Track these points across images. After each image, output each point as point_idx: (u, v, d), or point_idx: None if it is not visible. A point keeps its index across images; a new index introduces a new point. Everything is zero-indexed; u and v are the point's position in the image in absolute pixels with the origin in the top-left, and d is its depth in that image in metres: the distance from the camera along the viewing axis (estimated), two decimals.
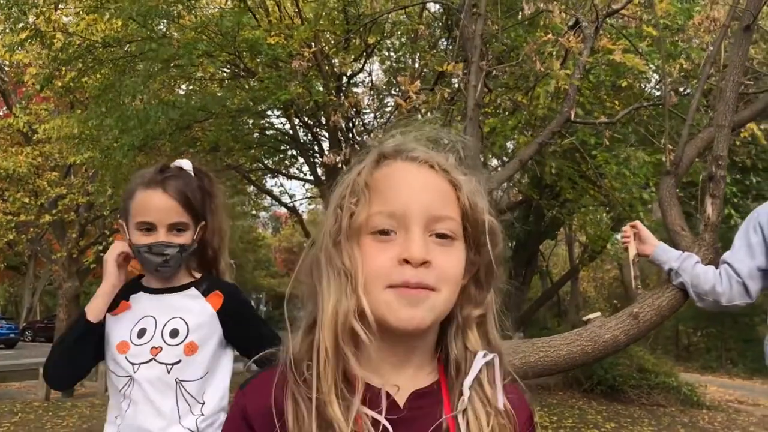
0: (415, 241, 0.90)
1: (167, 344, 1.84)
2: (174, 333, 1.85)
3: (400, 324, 0.90)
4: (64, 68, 10.42)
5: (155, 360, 1.82)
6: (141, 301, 1.93)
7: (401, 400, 0.96)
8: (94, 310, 1.87)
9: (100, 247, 18.18)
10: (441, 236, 0.93)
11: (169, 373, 1.82)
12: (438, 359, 1.02)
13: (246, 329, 1.95)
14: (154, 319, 1.88)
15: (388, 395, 0.94)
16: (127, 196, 1.90)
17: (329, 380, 0.89)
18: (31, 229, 18.06)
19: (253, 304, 2.09)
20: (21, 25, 9.78)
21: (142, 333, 1.86)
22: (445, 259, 0.92)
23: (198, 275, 1.99)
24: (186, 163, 1.99)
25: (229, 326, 1.93)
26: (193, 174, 1.97)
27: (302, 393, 0.91)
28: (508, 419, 0.98)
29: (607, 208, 9.03)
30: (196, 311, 1.90)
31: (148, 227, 1.84)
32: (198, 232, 1.93)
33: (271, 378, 0.95)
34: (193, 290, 1.94)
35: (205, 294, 1.94)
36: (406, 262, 0.89)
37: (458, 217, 0.96)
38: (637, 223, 2.93)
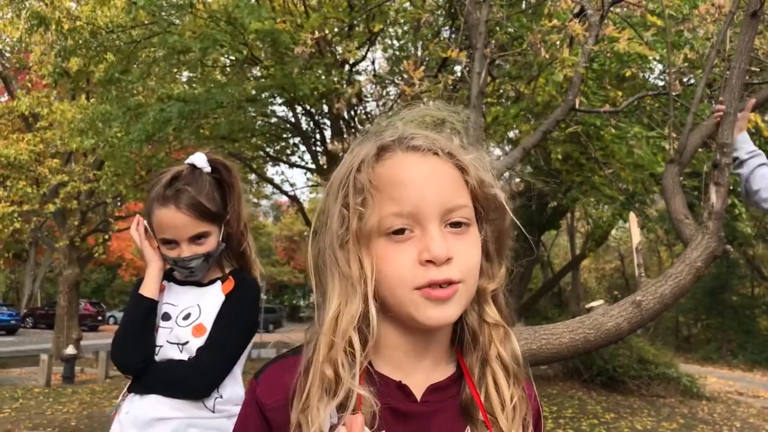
0: (435, 240, 0.88)
1: (179, 326, 1.90)
2: (186, 317, 1.91)
3: (431, 322, 0.90)
4: (71, 57, 10.34)
5: (168, 341, 1.89)
6: (170, 289, 2.01)
7: (418, 393, 0.96)
8: (150, 291, 1.93)
9: (107, 236, 18.25)
10: (455, 224, 0.92)
11: (181, 352, 1.87)
12: (455, 343, 1.02)
13: (219, 318, 1.90)
14: (175, 306, 1.95)
15: (406, 388, 0.95)
16: (147, 210, 1.93)
17: (317, 382, 0.88)
18: (34, 219, 18.06)
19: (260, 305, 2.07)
20: (25, 12, 9.74)
21: (165, 317, 1.94)
22: (464, 249, 0.91)
23: (227, 269, 2.03)
24: (200, 159, 1.95)
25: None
26: (209, 168, 1.95)
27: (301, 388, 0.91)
28: (525, 393, 1.00)
29: (618, 190, 9.01)
30: (210, 297, 1.94)
31: (170, 242, 1.89)
32: (223, 230, 1.95)
33: (285, 370, 0.95)
34: (217, 283, 1.98)
35: (222, 281, 1.98)
36: (429, 262, 0.88)
37: (470, 202, 0.95)
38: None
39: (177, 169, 1.95)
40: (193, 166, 1.95)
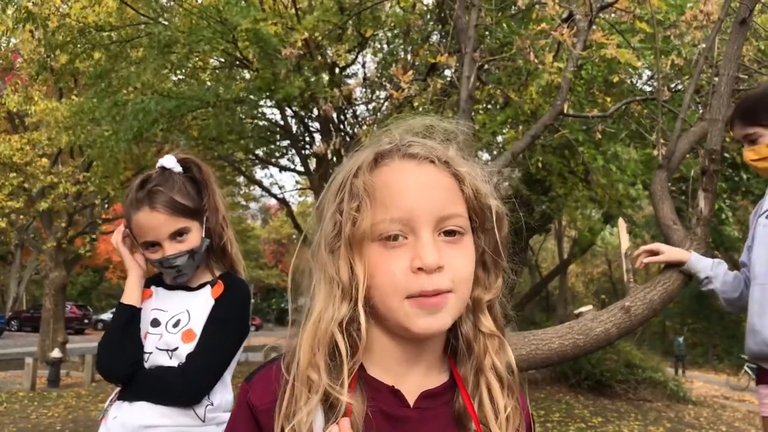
0: (426, 248, 0.88)
1: (168, 332, 1.88)
2: (176, 323, 1.89)
3: (421, 331, 0.89)
4: (58, 51, 10.28)
5: (157, 348, 1.87)
6: (158, 294, 1.98)
7: (411, 398, 0.95)
8: (130, 299, 1.92)
9: (93, 237, 18.10)
10: (450, 233, 0.91)
11: (170, 359, 1.85)
12: (448, 351, 1.01)
13: (208, 323, 1.88)
14: (165, 312, 1.93)
15: (399, 393, 0.94)
16: (126, 219, 1.93)
17: (300, 387, 0.88)
18: (21, 217, 17.86)
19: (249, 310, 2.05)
20: (12, 10, 9.68)
21: (155, 323, 1.92)
22: (457, 258, 0.91)
23: (217, 273, 2.01)
24: (169, 161, 1.95)
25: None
26: (179, 168, 1.95)
27: (284, 394, 0.90)
28: (519, 404, 0.99)
29: (597, 204, 9.06)
30: (199, 302, 1.93)
31: (153, 244, 1.88)
32: (204, 224, 1.94)
33: (278, 372, 0.94)
34: (207, 288, 1.96)
35: (212, 285, 1.96)
36: (420, 269, 0.87)
37: (465, 211, 0.94)
38: (656, 245, 2.80)
39: (147, 173, 1.96)
40: (163, 168, 1.95)
